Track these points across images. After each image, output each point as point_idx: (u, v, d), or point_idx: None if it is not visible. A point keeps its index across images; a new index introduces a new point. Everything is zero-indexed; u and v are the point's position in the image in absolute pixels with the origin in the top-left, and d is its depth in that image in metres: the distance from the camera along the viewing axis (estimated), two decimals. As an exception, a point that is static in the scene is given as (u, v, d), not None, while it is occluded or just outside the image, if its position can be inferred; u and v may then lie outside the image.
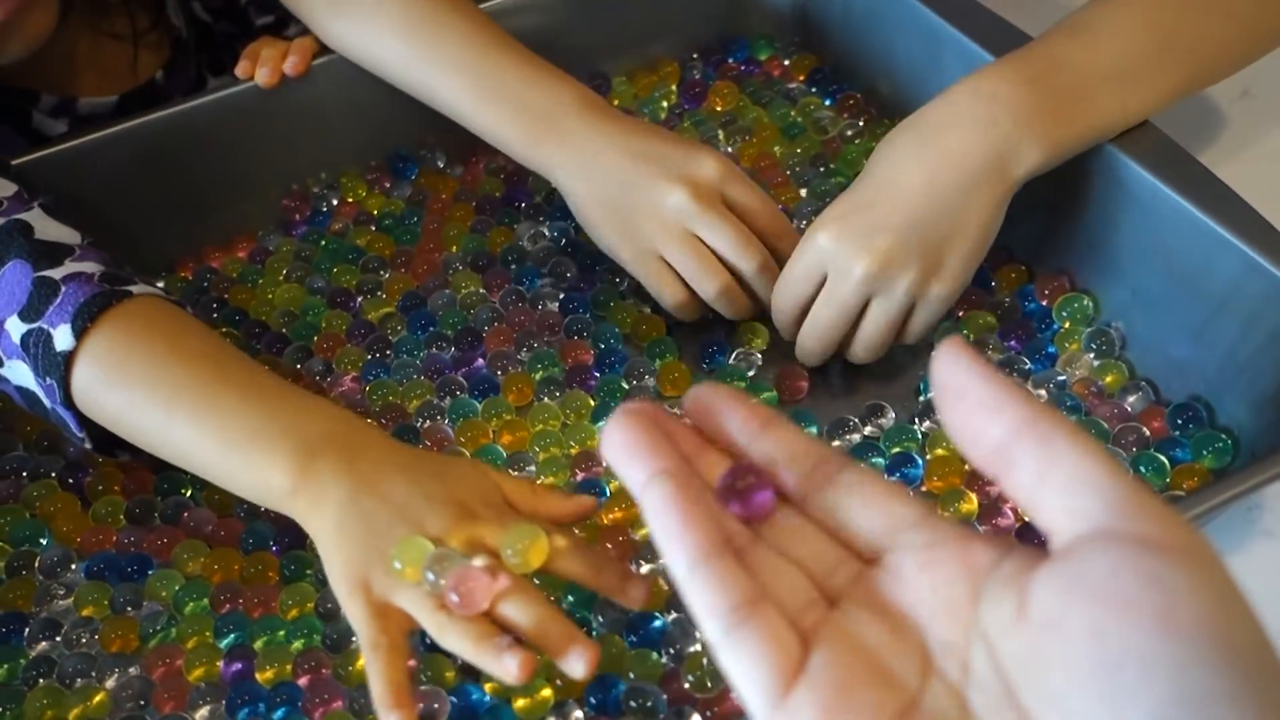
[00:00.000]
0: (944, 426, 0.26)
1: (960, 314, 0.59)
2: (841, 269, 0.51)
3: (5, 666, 0.51)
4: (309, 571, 0.52)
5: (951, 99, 0.52)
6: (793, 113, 0.72)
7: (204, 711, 0.48)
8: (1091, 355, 0.56)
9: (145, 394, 0.48)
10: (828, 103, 0.73)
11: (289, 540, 0.53)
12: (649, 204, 0.55)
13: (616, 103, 0.75)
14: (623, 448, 0.26)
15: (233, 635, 0.50)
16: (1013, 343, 0.58)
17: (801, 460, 0.27)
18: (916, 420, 0.55)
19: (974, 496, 0.51)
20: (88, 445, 0.52)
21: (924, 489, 0.52)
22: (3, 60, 0.60)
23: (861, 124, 0.71)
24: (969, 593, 0.23)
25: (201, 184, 0.68)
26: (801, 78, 0.75)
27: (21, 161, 0.62)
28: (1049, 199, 0.59)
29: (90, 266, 0.51)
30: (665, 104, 0.74)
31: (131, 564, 0.54)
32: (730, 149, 0.71)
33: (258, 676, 0.49)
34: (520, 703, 0.46)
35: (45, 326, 0.49)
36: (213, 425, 0.48)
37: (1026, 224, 0.61)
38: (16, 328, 0.50)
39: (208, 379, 0.49)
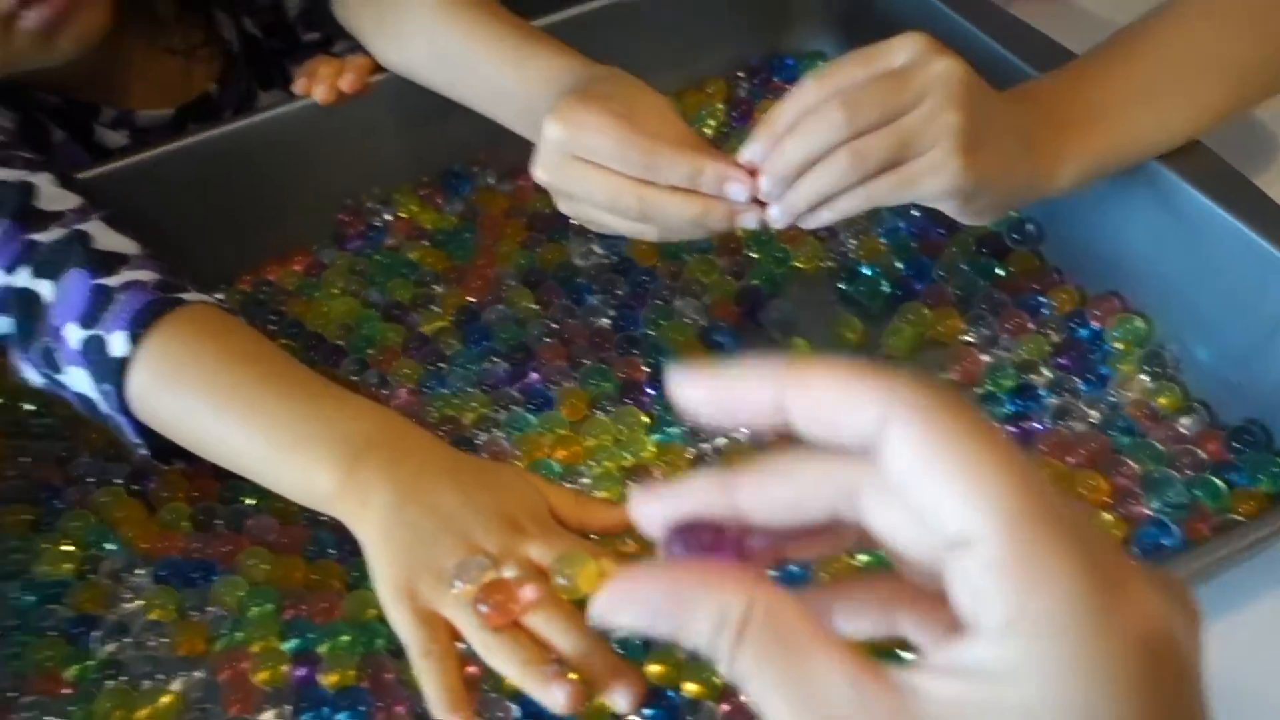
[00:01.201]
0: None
1: (1010, 333, 0.61)
2: (927, 58, 0.47)
3: (76, 667, 0.53)
4: (370, 581, 0.54)
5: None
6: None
7: (270, 714, 0.51)
8: (1146, 377, 0.58)
9: (197, 398, 0.51)
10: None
11: (351, 548, 0.55)
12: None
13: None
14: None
15: (298, 640, 0.53)
16: (1064, 361, 0.59)
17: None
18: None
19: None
20: (144, 451, 0.54)
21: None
22: (56, 59, 0.62)
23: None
24: None
25: (259, 198, 0.70)
26: (849, 96, 0.77)
27: (86, 176, 0.65)
28: (1100, 219, 0.61)
29: (146, 275, 0.54)
30: (713, 122, 0.76)
31: (197, 569, 0.56)
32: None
33: (322, 681, 0.51)
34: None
35: (102, 333, 0.52)
36: (260, 427, 0.50)
37: (1078, 245, 0.63)
38: (75, 334, 0.52)
39: (256, 382, 0.51)
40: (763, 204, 0.49)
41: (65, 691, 0.52)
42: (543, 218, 0.72)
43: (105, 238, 0.56)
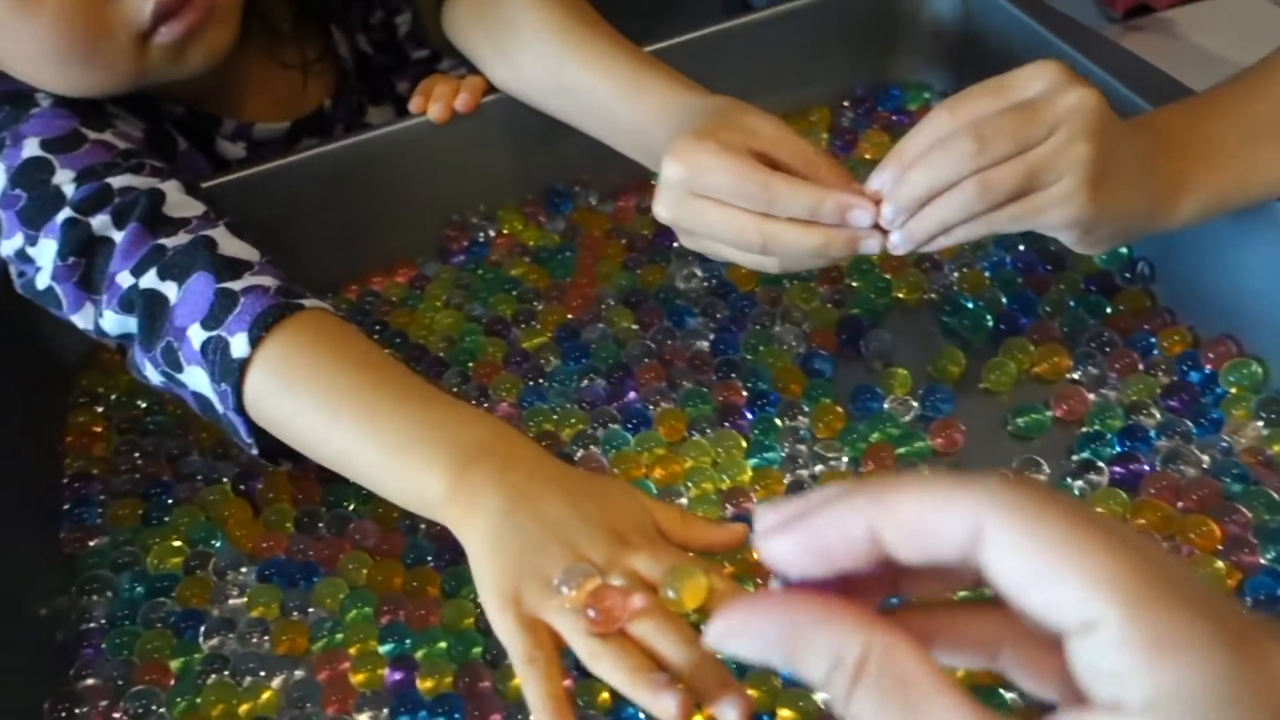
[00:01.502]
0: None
1: (1118, 373, 0.60)
2: (1062, 88, 0.47)
3: (182, 659, 0.55)
4: (467, 588, 0.55)
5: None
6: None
7: (366, 716, 0.52)
8: (1261, 423, 0.56)
9: (312, 400, 0.52)
10: (980, 154, 0.75)
11: (449, 556, 0.56)
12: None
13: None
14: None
15: (394, 644, 0.54)
16: (1174, 404, 0.58)
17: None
18: (1069, 478, 0.56)
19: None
20: (254, 451, 0.56)
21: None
22: (186, 72, 0.65)
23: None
24: None
25: (368, 211, 0.73)
26: (954, 128, 0.77)
27: (208, 185, 0.67)
28: (1216, 260, 0.60)
29: (268, 280, 0.56)
30: (817, 149, 0.77)
31: (300, 570, 0.58)
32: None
33: (419, 686, 0.52)
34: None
35: (224, 334, 0.54)
36: (372, 431, 0.51)
37: (1192, 286, 0.62)
38: (198, 335, 0.54)
39: (371, 387, 0.52)
40: (884, 230, 0.49)
41: (170, 683, 0.54)
42: (643, 239, 0.73)
43: (228, 244, 0.58)
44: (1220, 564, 0.50)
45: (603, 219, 0.75)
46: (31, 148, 0.60)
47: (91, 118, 0.63)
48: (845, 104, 0.80)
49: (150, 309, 0.56)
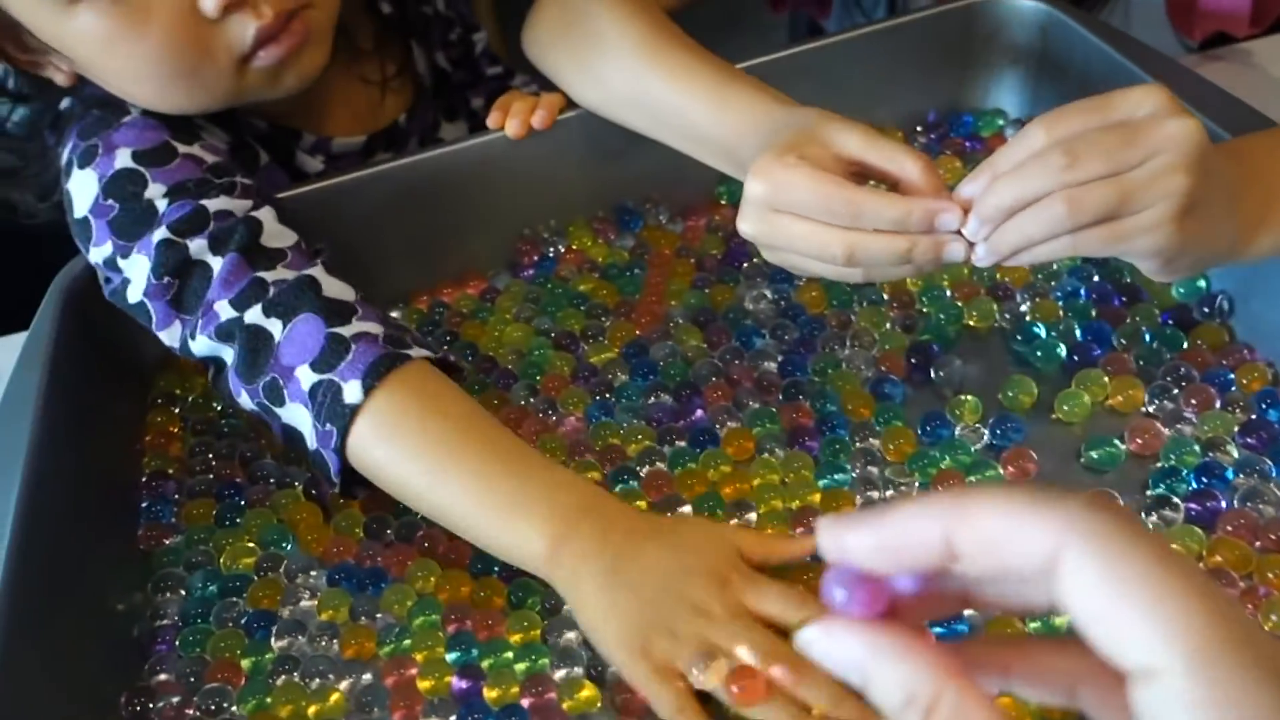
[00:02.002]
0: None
1: (1194, 408, 0.60)
2: (1166, 114, 0.46)
3: (252, 659, 0.56)
4: (533, 600, 0.56)
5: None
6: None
7: (433, 722, 0.53)
8: (1342, 462, 0.56)
9: (416, 452, 0.55)
10: (1054, 182, 0.75)
11: (516, 568, 0.57)
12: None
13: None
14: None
15: (460, 653, 0.55)
16: (1251, 441, 0.58)
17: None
18: (1144, 514, 0.56)
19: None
20: (336, 490, 0.58)
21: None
22: (279, 93, 0.67)
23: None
24: None
25: (442, 223, 0.74)
26: (1027, 155, 0.77)
27: (287, 195, 0.69)
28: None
29: (374, 327, 0.58)
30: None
31: (369, 576, 0.59)
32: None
33: (486, 695, 0.53)
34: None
35: (336, 379, 0.55)
36: (476, 489, 0.54)
37: (1271, 322, 0.61)
38: (307, 376, 0.56)
39: (474, 444, 0.55)
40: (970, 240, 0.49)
41: (241, 681, 0.55)
42: (712, 259, 0.74)
43: (330, 285, 0.60)
44: (1298, 607, 0.49)
45: (672, 237, 0.76)
46: (124, 158, 0.63)
47: (180, 130, 0.65)
48: (918, 129, 0.80)
49: (253, 343, 0.58)
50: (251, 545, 0.62)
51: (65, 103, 0.68)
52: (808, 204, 0.50)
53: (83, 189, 0.63)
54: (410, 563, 0.59)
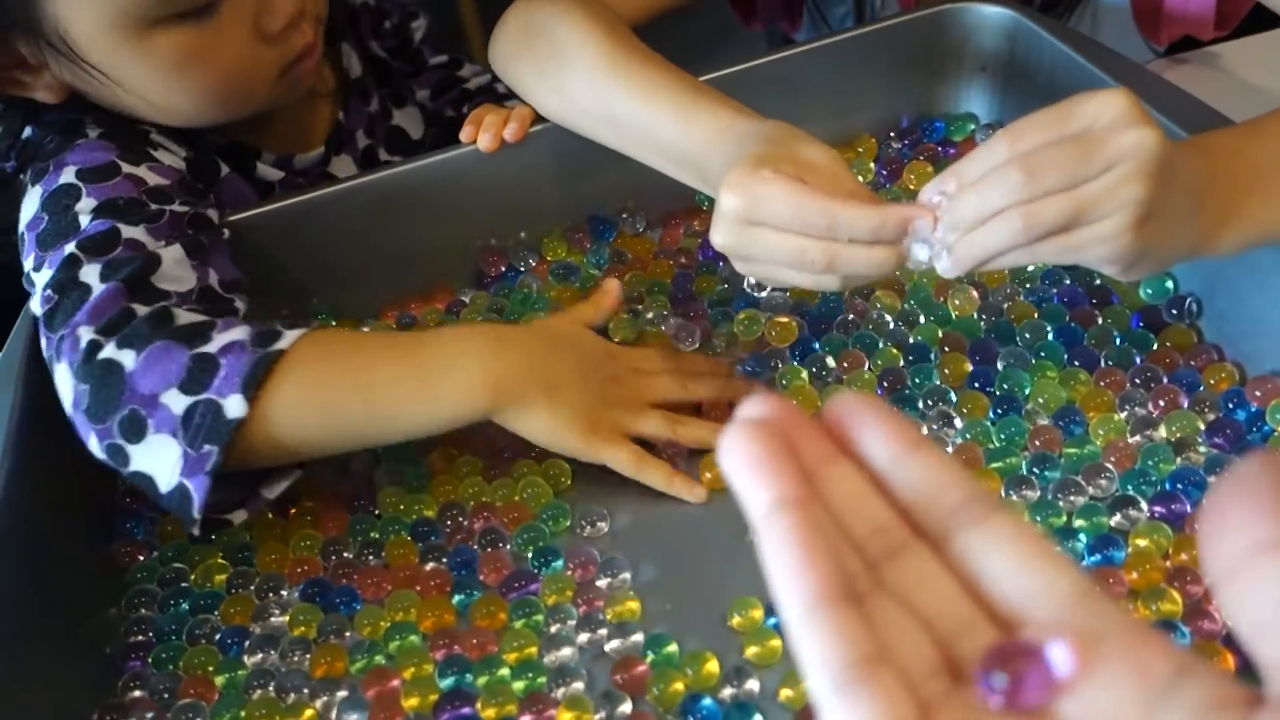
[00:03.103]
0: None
1: (1162, 409, 0.61)
2: (1127, 124, 0.47)
3: (226, 675, 0.57)
4: (538, 617, 0.57)
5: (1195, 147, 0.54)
6: (989, 194, 0.75)
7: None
8: (1308, 461, 0.56)
9: (339, 390, 0.57)
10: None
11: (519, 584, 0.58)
12: None
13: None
14: (744, 466, 0.24)
15: (453, 678, 0.55)
16: (1219, 440, 0.59)
17: (948, 493, 0.25)
18: (1110, 511, 0.56)
19: (1178, 596, 0.52)
20: (195, 529, 0.57)
21: (1124, 578, 0.53)
22: (282, 102, 0.71)
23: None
24: (1135, 707, 0.21)
25: (413, 237, 0.75)
26: (999, 160, 0.78)
27: (251, 214, 0.71)
28: (1263, 297, 0.61)
29: (238, 333, 0.57)
30: (861, 178, 0.78)
31: (341, 595, 0.59)
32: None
33: (482, 715, 0.53)
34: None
35: (214, 398, 0.55)
36: (406, 381, 0.58)
37: (1240, 323, 0.63)
38: (178, 401, 0.55)
39: (385, 354, 0.59)
40: None
41: (214, 697, 0.56)
42: (691, 257, 0.75)
43: (184, 316, 0.58)
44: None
45: (649, 243, 0.77)
46: (68, 175, 0.64)
47: (130, 150, 0.66)
48: (891, 135, 0.81)
49: (104, 377, 0.56)
50: (223, 561, 0.62)
51: (27, 131, 0.68)
52: (783, 216, 0.51)
53: (28, 206, 0.65)
54: (389, 595, 0.59)
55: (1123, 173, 0.47)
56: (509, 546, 0.61)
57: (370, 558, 0.61)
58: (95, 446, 0.57)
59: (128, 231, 0.61)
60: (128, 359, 0.56)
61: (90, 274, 0.59)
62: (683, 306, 0.71)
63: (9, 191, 0.69)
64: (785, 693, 0.52)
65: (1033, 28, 0.74)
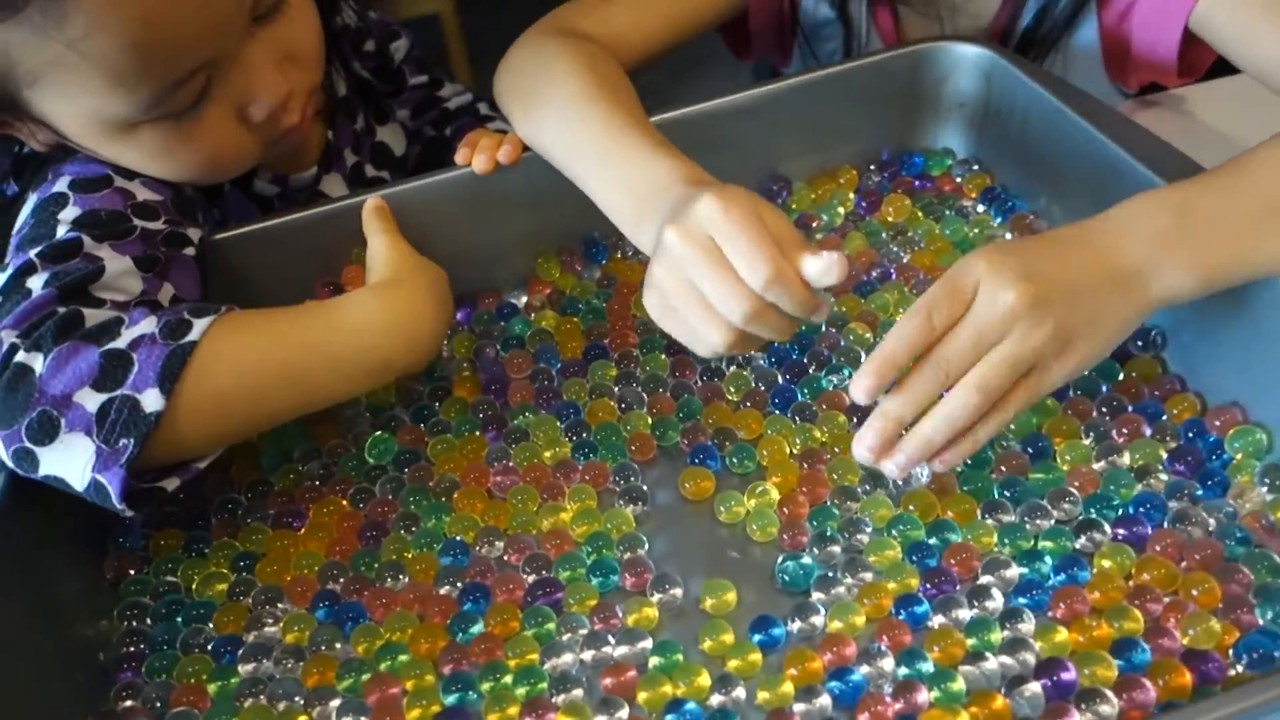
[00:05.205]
0: None
1: (1125, 437, 0.64)
2: (992, 293, 0.54)
3: (219, 683, 0.59)
4: (550, 626, 0.59)
5: (1109, 216, 0.58)
6: (965, 227, 0.79)
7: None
8: (1265, 489, 0.60)
9: (256, 372, 0.60)
10: (999, 221, 0.80)
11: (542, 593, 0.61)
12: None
13: (795, 206, 0.82)
14: None
15: (457, 695, 0.57)
16: (1180, 468, 0.62)
17: None
18: (1075, 534, 0.59)
19: (1139, 615, 0.55)
20: (127, 511, 0.57)
21: (1088, 597, 0.56)
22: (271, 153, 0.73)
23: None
24: None
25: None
26: (974, 195, 0.82)
27: (246, 230, 0.74)
28: (1225, 330, 0.64)
29: (146, 326, 0.58)
30: (841, 210, 0.82)
31: (348, 611, 0.61)
32: (905, 257, 0.78)
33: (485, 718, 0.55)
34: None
35: (131, 393, 0.56)
36: (321, 345, 0.62)
37: (1201, 354, 0.66)
38: (92, 399, 0.56)
39: (293, 319, 0.63)
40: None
41: (206, 705, 0.58)
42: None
43: (94, 315, 0.58)
44: (1215, 623, 0.54)
45: (639, 269, 0.80)
46: (61, 184, 0.66)
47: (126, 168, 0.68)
48: (871, 168, 0.85)
49: (13, 380, 0.56)
50: (221, 571, 0.64)
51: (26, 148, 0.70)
52: (741, 240, 0.53)
53: (23, 212, 0.67)
54: (391, 614, 0.60)
55: (1017, 336, 0.53)
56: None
57: (389, 579, 0.63)
58: (3, 453, 0.57)
59: (90, 245, 0.62)
60: (37, 362, 0.56)
61: (37, 281, 0.60)
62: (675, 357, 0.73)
63: (9, 215, 0.70)
64: (762, 695, 0.55)
65: (1009, 68, 0.78)
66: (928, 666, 0.54)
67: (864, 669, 0.55)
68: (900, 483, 0.62)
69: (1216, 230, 0.57)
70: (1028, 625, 0.56)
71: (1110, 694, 0.51)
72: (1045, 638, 0.55)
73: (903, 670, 0.54)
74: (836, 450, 0.66)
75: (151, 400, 0.56)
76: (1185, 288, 0.57)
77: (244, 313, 0.62)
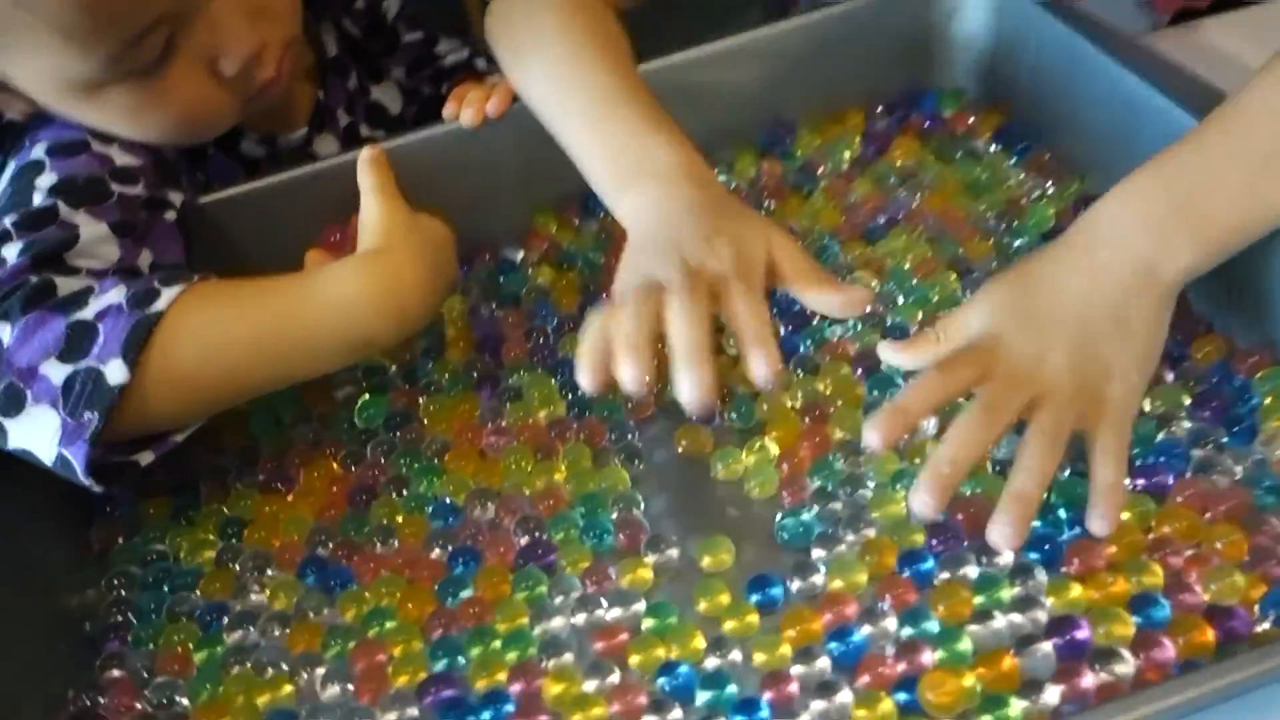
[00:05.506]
0: None
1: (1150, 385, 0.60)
2: (1011, 346, 0.53)
3: (205, 651, 0.57)
4: (541, 589, 0.57)
5: (1091, 220, 0.56)
6: (978, 169, 0.75)
7: (414, 710, 0.53)
8: (1295, 434, 0.57)
9: (227, 346, 0.57)
10: (1014, 160, 0.76)
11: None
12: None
13: (799, 152, 0.79)
14: None
15: (446, 660, 0.55)
16: (1206, 414, 0.59)
17: None
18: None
19: (1158, 568, 0.52)
20: (96, 488, 0.55)
21: (1104, 551, 0.53)
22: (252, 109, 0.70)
23: (1050, 185, 0.73)
24: None
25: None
26: (987, 135, 0.78)
27: (237, 192, 0.72)
28: (1252, 269, 0.60)
29: (114, 296, 0.56)
30: (848, 154, 0.78)
31: (335, 575, 0.60)
32: (915, 202, 0.74)
33: (473, 684, 0.53)
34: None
35: (96, 365, 0.54)
36: (297, 321, 0.58)
37: (1228, 297, 0.62)
38: (58, 370, 0.54)
39: (267, 292, 0.59)
40: None
41: (192, 673, 0.57)
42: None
43: (67, 284, 0.57)
44: (1239, 577, 0.51)
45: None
46: (38, 151, 0.64)
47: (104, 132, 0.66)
48: (879, 109, 0.81)
49: None
50: (209, 537, 0.63)
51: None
52: (735, 297, 0.52)
53: (1, 183, 0.65)
54: (377, 577, 0.59)
55: (1055, 397, 0.52)
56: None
57: (379, 543, 0.61)
58: None
59: (65, 212, 0.60)
60: (5, 332, 0.55)
61: (11, 250, 0.58)
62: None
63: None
64: (759, 657, 0.52)
65: (1021, 1, 0.74)
66: (933, 626, 0.52)
67: (866, 629, 0.52)
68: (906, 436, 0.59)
69: (1216, 199, 0.54)
70: (1039, 581, 0.53)
71: (1126, 653, 0.49)
72: (1058, 594, 0.52)
73: (906, 630, 0.52)
74: (839, 403, 0.63)
75: (115, 372, 0.54)
76: (1200, 264, 0.54)
77: (216, 282, 0.59)
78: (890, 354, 0.56)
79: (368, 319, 0.59)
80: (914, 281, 0.68)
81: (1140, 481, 0.56)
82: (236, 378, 0.59)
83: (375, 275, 0.60)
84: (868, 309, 0.57)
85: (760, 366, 0.50)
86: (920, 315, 0.67)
